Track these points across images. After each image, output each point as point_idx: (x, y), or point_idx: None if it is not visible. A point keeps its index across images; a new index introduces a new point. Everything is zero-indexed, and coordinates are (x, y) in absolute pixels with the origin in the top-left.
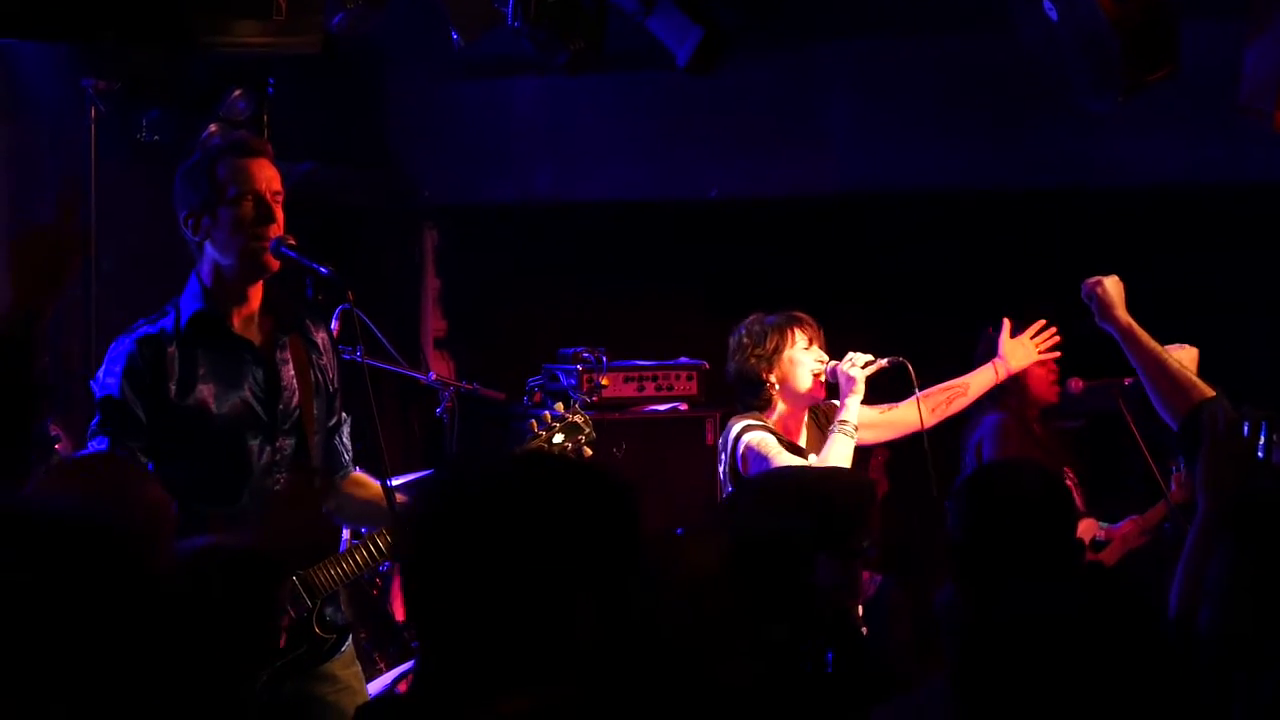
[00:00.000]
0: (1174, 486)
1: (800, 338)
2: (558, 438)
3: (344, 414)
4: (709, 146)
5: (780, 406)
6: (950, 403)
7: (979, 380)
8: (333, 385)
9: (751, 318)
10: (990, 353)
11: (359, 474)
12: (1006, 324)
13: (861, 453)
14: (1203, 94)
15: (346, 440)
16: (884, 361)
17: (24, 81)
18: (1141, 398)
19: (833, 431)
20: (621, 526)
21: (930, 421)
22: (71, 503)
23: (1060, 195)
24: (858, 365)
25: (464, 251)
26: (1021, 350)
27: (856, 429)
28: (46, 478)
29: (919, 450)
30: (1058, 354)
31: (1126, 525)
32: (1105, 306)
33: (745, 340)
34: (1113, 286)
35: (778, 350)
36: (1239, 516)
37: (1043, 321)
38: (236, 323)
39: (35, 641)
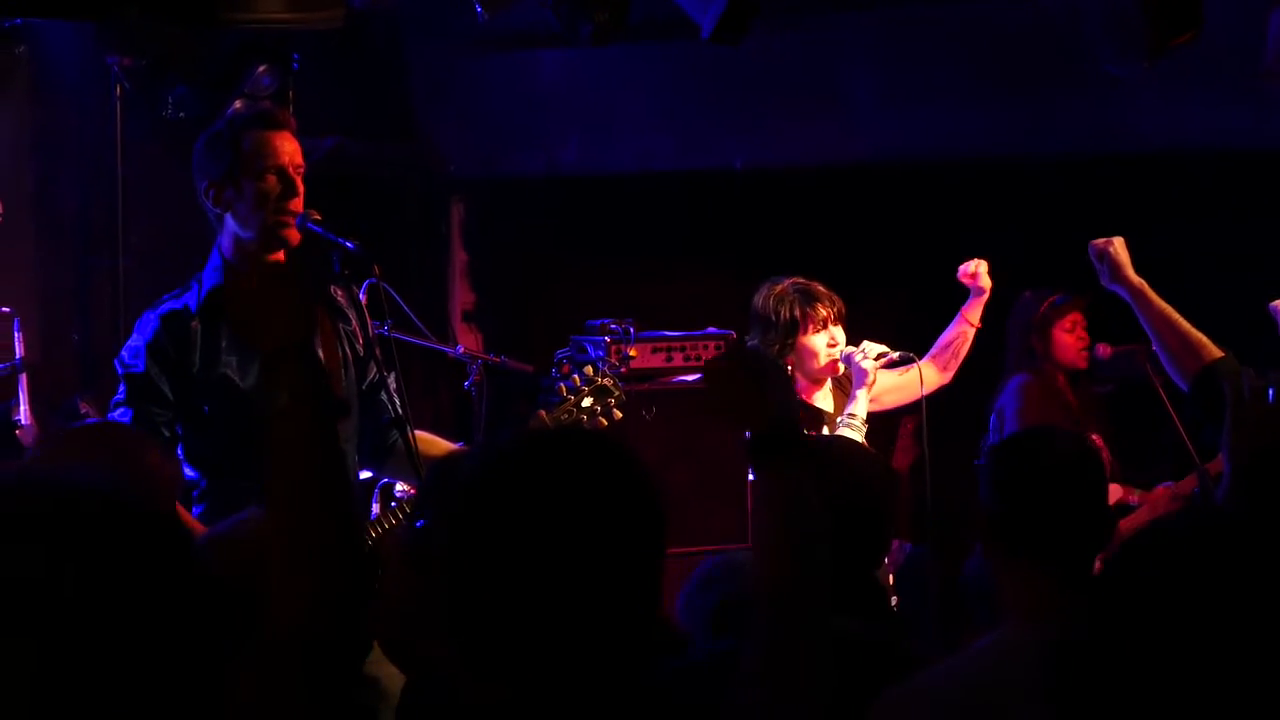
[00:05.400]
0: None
1: (814, 322)
2: (586, 401)
3: (384, 371)
4: (734, 117)
5: (800, 379)
6: (957, 354)
7: (971, 317)
8: (362, 349)
9: (764, 292)
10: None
11: (421, 433)
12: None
13: (892, 420)
14: (1229, 60)
15: (393, 395)
16: (894, 355)
17: (49, 59)
18: None
19: (840, 425)
20: (644, 516)
21: (948, 377)
22: (89, 474)
23: (1084, 162)
24: (870, 357)
25: (491, 224)
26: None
27: (865, 423)
28: (43, 448)
29: (948, 416)
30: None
31: (1159, 492)
32: (1117, 267)
33: (761, 319)
34: (1122, 247)
35: (792, 335)
36: (1250, 476)
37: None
38: None
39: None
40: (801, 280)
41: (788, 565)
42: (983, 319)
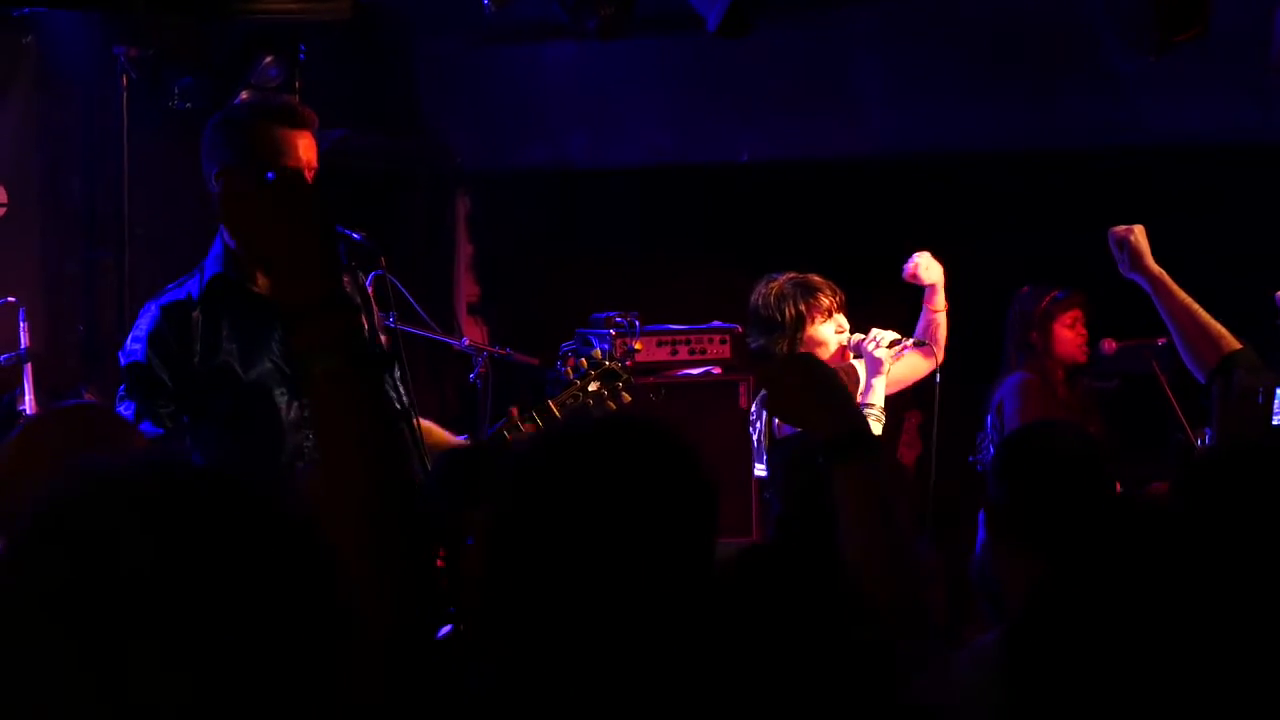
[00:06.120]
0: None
1: (819, 312)
2: (593, 385)
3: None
4: (740, 110)
5: None
6: (935, 338)
7: (936, 304)
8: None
9: (761, 291)
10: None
11: (422, 421)
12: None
13: (896, 417)
14: (1236, 54)
15: (396, 383)
16: (908, 342)
17: (56, 49)
18: (1176, 359)
19: None
20: (703, 504)
21: (935, 362)
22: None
23: (1090, 156)
24: (883, 345)
25: (496, 217)
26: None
27: (884, 410)
28: (24, 430)
29: (948, 410)
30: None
31: (1152, 490)
32: (1137, 255)
33: (763, 318)
34: (1142, 235)
35: (799, 330)
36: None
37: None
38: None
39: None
40: (796, 275)
41: (875, 547)
42: (979, 312)
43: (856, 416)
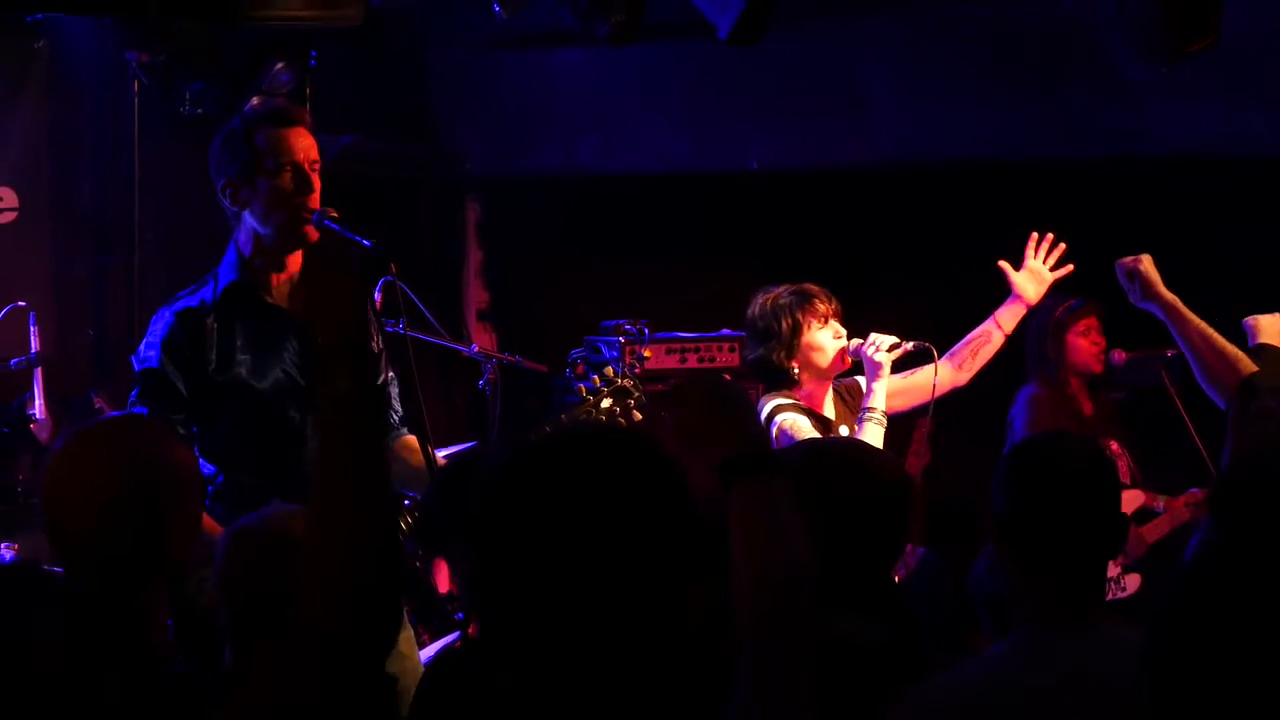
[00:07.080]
0: None
1: (815, 318)
2: (605, 402)
3: (390, 374)
4: (751, 118)
5: (806, 383)
6: (976, 354)
7: (1004, 321)
8: (376, 348)
9: (759, 302)
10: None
11: (410, 438)
12: (1005, 267)
13: (905, 426)
14: (1247, 64)
15: (395, 401)
16: (909, 345)
17: (68, 54)
18: (1185, 370)
19: (862, 421)
20: (680, 511)
21: (963, 378)
22: None
23: (1100, 165)
24: (883, 349)
25: (506, 223)
26: (1032, 278)
27: (886, 414)
28: (69, 442)
29: (965, 420)
30: (1069, 268)
31: (1184, 499)
32: (1148, 285)
33: (760, 328)
34: (1150, 265)
35: (796, 336)
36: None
37: (1049, 237)
38: (273, 292)
39: None
40: (792, 284)
41: (770, 589)
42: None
43: (758, 435)
